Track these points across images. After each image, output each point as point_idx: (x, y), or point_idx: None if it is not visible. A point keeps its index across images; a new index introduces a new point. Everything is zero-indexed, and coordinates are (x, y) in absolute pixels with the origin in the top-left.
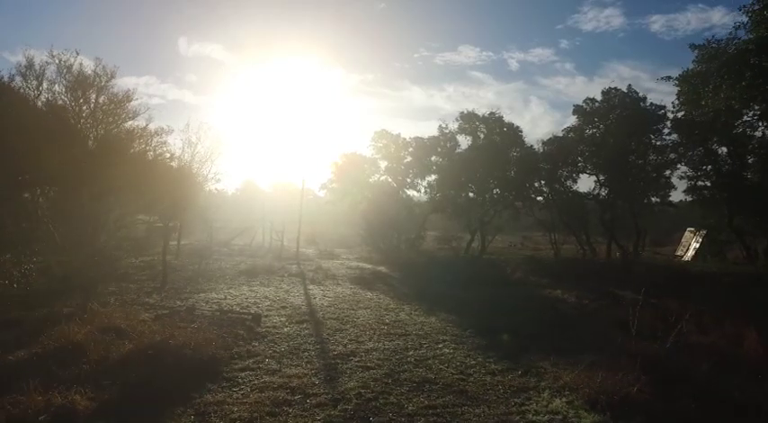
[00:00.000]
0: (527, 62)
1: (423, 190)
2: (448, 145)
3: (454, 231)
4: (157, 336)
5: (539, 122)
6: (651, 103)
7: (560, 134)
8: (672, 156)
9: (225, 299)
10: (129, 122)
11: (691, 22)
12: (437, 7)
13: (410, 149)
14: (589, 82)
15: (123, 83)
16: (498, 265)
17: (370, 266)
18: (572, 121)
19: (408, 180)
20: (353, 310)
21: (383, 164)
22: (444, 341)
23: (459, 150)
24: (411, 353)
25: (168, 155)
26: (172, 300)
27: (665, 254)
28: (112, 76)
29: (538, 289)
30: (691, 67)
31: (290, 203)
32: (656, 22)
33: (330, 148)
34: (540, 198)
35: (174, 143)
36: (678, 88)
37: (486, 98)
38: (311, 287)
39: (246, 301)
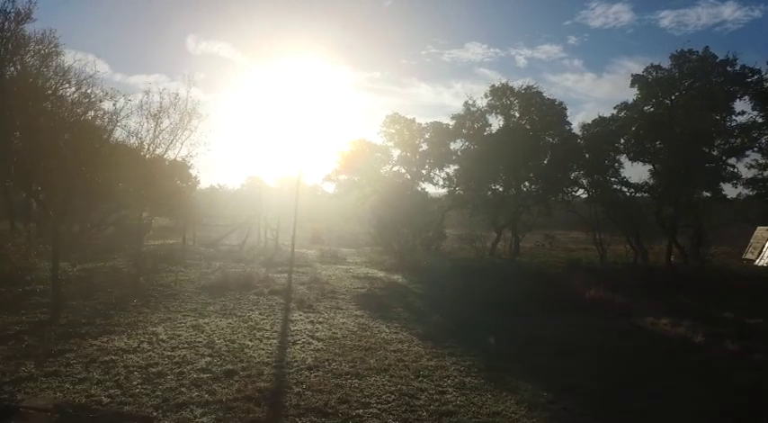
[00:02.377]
0: (535, 59)
1: (441, 182)
2: (476, 126)
3: (474, 229)
4: None
5: None
6: (743, 65)
7: (609, 114)
8: (741, 140)
9: (135, 350)
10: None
11: (701, 17)
12: (444, 4)
13: (426, 136)
14: (598, 78)
15: (133, 81)
16: (548, 274)
17: (382, 275)
18: (581, 115)
19: (424, 171)
20: (359, 376)
21: (396, 152)
22: None
23: (488, 132)
24: None
25: (105, 121)
26: (27, 358)
27: (725, 256)
28: (26, 18)
29: (631, 316)
30: None
31: (296, 199)
32: (666, 18)
33: (337, 145)
34: (580, 191)
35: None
36: None
37: None
38: (296, 316)
39: (169, 355)
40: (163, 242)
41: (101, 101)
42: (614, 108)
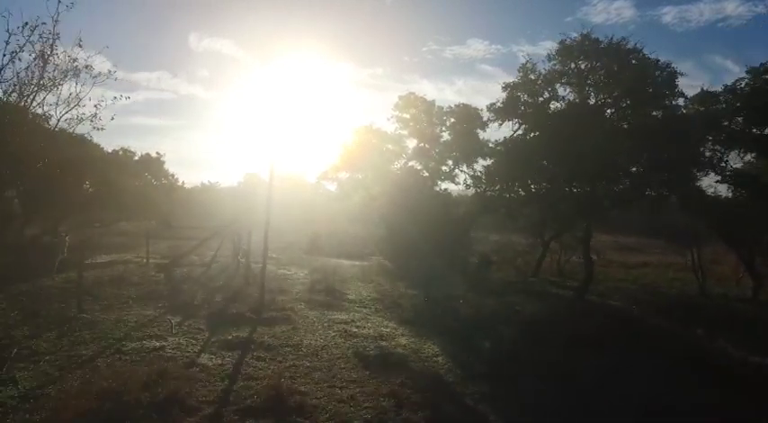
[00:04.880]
0: (537, 55)
1: (469, 181)
2: (537, 100)
3: (507, 237)
4: None
5: None
6: None
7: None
8: None
9: None
10: None
11: (704, 13)
12: (445, 0)
13: (451, 122)
14: None
15: (136, 78)
16: (707, 353)
17: (405, 341)
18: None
19: (445, 168)
20: None
21: (411, 143)
22: None
23: (555, 109)
24: None
25: None
26: None
27: None
28: None
29: None
30: None
31: (298, 198)
32: (668, 14)
33: (338, 139)
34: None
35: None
36: None
37: (496, 92)
38: None
39: None
40: (108, 260)
41: None
42: (747, 71)
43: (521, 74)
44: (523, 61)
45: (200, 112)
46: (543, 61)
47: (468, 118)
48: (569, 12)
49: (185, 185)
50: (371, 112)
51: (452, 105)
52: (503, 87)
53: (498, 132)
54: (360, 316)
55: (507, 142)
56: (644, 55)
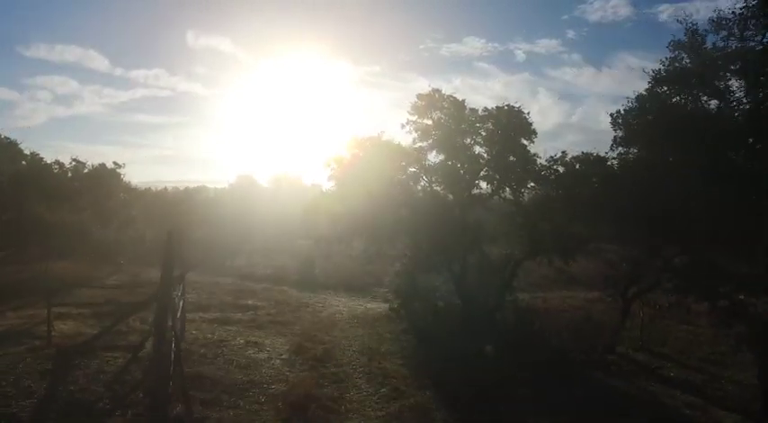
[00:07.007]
0: (533, 53)
1: (513, 212)
2: (698, 102)
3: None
4: None
5: (547, 114)
6: None
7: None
8: None
9: None
10: None
11: (700, 10)
12: None
13: (488, 129)
14: (597, 72)
15: (134, 76)
16: None
17: None
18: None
19: (477, 191)
20: None
21: (435, 158)
22: None
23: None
24: None
25: None
26: None
27: None
28: None
29: None
30: None
31: (294, 202)
32: (665, 12)
33: (334, 147)
34: None
35: None
36: None
37: (493, 90)
38: None
39: None
40: None
41: None
42: None
43: (672, 55)
44: (684, 33)
45: (200, 109)
46: (711, 32)
47: (511, 125)
48: (566, 10)
49: (180, 188)
50: (370, 112)
51: (487, 107)
52: (650, 80)
53: (540, 142)
54: None
55: (593, 165)
56: None
